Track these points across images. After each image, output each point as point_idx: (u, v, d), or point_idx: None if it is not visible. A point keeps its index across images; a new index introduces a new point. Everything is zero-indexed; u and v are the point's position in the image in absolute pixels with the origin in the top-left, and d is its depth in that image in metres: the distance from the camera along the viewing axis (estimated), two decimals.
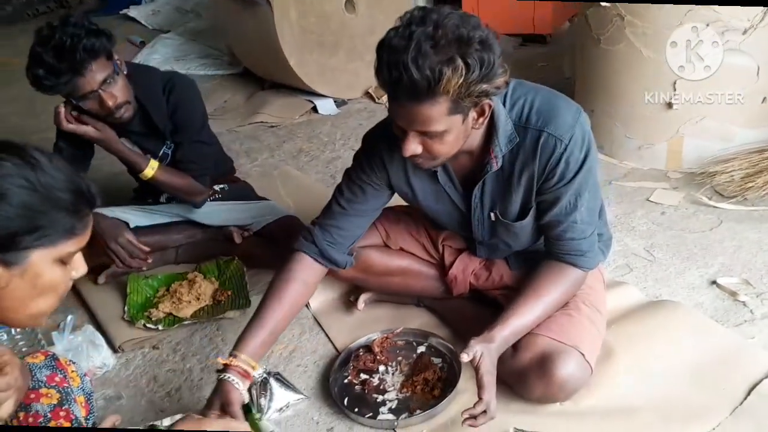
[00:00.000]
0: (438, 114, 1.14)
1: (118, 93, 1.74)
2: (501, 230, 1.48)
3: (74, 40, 1.63)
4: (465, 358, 1.27)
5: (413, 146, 1.22)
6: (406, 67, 1.07)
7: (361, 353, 1.60)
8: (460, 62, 1.08)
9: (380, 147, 1.41)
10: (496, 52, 1.13)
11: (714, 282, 1.78)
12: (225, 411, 1.25)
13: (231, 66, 4.03)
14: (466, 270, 1.63)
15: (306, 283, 1.46)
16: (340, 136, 3.11)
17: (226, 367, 1.32)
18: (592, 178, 1.35)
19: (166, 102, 1.89)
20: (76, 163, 1.90)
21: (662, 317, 1.61)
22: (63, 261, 0.91)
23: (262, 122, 3.32)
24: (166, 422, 1.37)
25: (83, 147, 1.93)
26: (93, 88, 1.69)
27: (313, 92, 3.43)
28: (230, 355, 1.34)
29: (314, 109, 3.47)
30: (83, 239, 0.92)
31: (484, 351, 1.28)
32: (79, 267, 0.95)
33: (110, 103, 1.72)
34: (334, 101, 3.46)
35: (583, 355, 1.35)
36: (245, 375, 1.32)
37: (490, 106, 1.22)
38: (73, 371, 1.22)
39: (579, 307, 1.43)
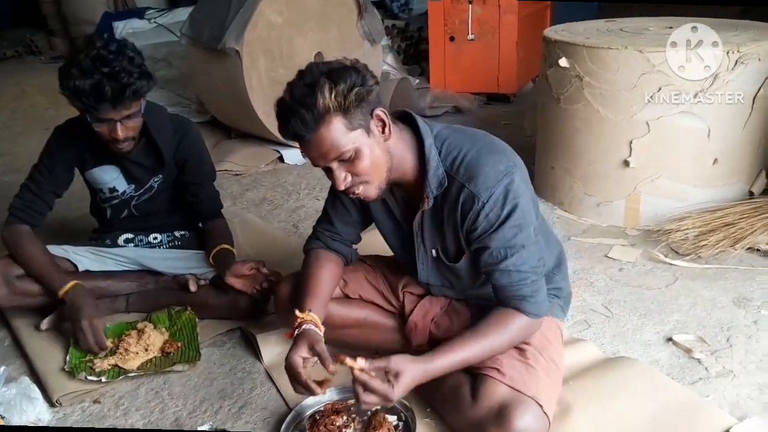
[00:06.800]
0: (337, 133, 1.26)
1: (131, 128, 1.78)
2: (443, 269, 1.51)
3: (129, 77, 1.66)
4: (349, 362, 1.26)
5: (341, 176, 1.31)
6: (292, 109, 1.25)
7: (317, 418, 1.53)
8: (325, 81, 1.24)
9: None
10: (359, 67, 1.29)
11: (670, 339, 1.79)
12: (313, 349, 1.35)
13: (199, 114, 4.05)
14: (426, 316, 1.62)
15: (333, 261, 1.59)
16: (305, 186, 3.11)
17: (300, 324, 1.41)
18: (524, 233, 1.34)
19: (178, 144, 1.96)
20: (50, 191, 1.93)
21: (619, 374, 1.60)
22: None
23: (227, 170, 3.30)
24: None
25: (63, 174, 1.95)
26: (115, 118, 1.72)
27: (279, 142, 3.45)
28: (300, 313, 1.43)
29: (280, 159, 3.48)
30: None
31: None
32: None
33: (121, 134, 1.75)
34: (301, 151, 3.47)
35: (541, 406, 1.33)
36: (318, 327, 1.42)
37: (384, 113, 1.32)
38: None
39: (537, 359, 1.42)
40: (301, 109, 1.23)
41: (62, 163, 1.93)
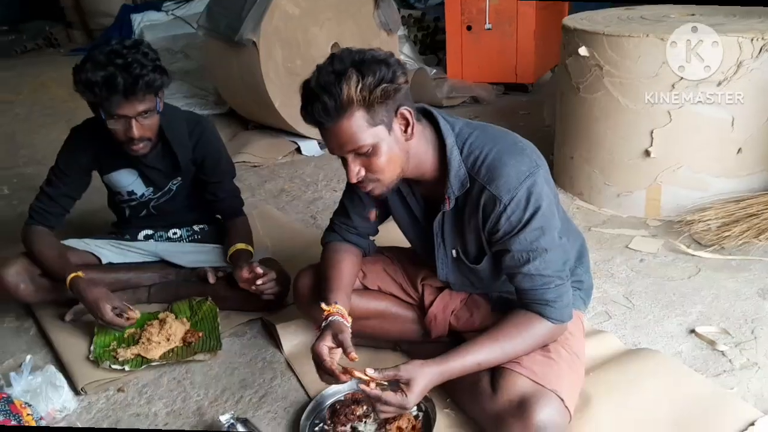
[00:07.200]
0: (358, 126, 1.23)
1: (147, 127, 1.76)
2: (463, 269, 1.50)
3: (142, 69, 1.66)
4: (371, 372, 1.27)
5: (355, 169, 1.29)
6: (316, 94, 1.22)
7: (338, 407, 1.54)
8: (353, 72, 1.20)
9: None
10: (391, 62, 1.24)
11: (692, 331, 1.77)
12: (337, 339, 1.34)
13: (217, 106, 4.06)
14: (446, 309, 1.61)
15: (353, 253, 1.58)
16: (323, 177, 3.12)
17: (327, 317, 1.39)
18: (547, 236, 1.31)
19: (194, 144, 1.94)
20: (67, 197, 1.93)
21: (641, 366, 1.58)
22: None
23: (245, 162, 3.31)
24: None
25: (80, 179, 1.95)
26: (129, 115, 1.71)
27: (297, 133, 3.45)
28: (327, 306, 1.42)
29: (298, 150, 3.49)
30: None
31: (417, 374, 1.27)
32: None
33: (136, 133, 1.74)
34: (318, 143, 3.47)
35: (562, 400, 1.32)
36: (345, 318, 1.40)
37: (410, 112, 1.28)
38: (28, 415, 1.17)
39: (559, 352, 1.41)
40: (324, 96, 1.21)
41: (78, 168, 1.92)
